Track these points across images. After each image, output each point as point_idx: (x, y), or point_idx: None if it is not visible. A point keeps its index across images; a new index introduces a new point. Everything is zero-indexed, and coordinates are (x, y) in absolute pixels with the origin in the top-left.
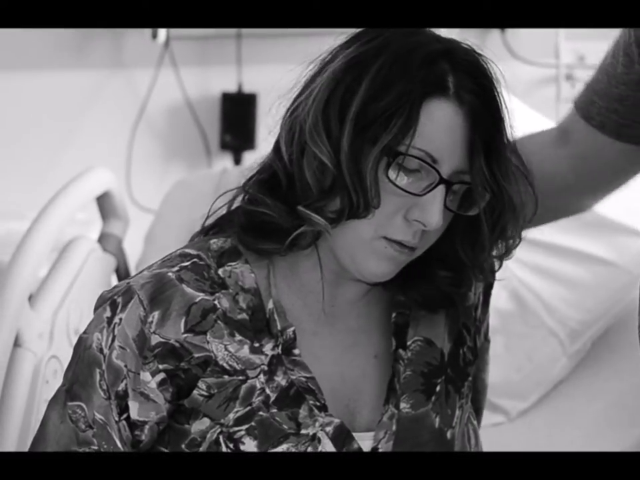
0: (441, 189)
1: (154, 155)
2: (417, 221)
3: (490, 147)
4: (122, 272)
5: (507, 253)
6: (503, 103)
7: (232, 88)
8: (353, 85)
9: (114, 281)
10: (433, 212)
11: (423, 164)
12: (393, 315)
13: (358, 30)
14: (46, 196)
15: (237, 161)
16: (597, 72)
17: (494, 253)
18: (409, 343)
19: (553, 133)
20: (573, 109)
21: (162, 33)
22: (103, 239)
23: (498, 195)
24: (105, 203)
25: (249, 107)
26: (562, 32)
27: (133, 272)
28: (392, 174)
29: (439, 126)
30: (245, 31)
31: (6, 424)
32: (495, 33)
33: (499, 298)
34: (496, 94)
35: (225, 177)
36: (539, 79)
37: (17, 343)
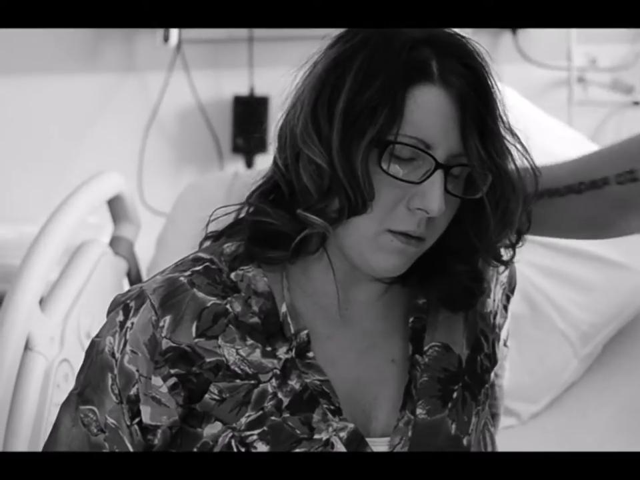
0: (439, 173)
1: (166, 158)
2: (420, 209)
3: (483, 127)
4: (133, 275)
5: (518, 238)
6: (492, 83)
7: (244, 91)
8: (337, 84)
9: (125, 285)
10: (433, 197)
11: (417, 151)
12: (411, 319)
13: (343, 30)
14: (58, 200)
15: (249, 164)
16: None
17: (505, 241)
18: (425, 348)
19: None
20: None
21: (173, 36)
22: (114, 242)
23: (496, 174)
24: (116, 207)
25: (260, 110)
26: (574, 35)
27: (144, 275)
28: (385, 164)
29: (428, 111)
30: (256, 34)
31: (17, 427)
32: (506, 36)
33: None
34: (484, 74)
35: (237, 180)
36: (550, 82)
37: (27, 347)
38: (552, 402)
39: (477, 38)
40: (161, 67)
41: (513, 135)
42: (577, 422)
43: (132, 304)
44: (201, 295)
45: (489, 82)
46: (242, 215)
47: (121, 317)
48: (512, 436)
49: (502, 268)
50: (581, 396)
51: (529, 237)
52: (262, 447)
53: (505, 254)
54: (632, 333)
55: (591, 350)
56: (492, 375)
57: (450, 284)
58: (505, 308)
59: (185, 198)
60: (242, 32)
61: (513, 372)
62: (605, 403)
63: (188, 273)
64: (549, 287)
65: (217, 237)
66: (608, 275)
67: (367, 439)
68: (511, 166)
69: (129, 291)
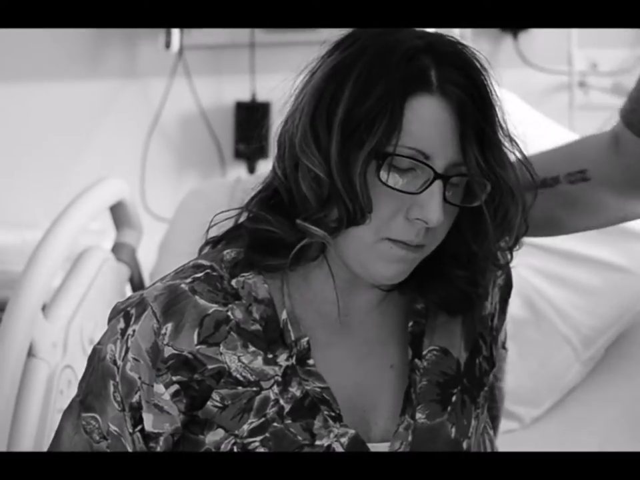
0: (438, 184)
1: (168, 164)
2: (418, 219)
3: (482, 137)
4: (136, 281)
5: (515, 242)
6: (491, 91)
7: (245, 97)
8: (336, 93)
9: (128, 291)
10: (432, 208)
11: (416, 162)
12: (410, 324)
13: (341, 36)
14: (61, 206)
15: (251, 170)
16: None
17: (502, 244)
18: (424, 353)
19: (606, 138)
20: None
21: (175, 42)
22: (116, 248)
23: (495, 183)
24: (118, 213)
25: (262, 116)
26: (574, 39)
27: (147, 281)
28: (384, 175)
29: (426, 122)
30: (258, 39)
31: (20, 433)
32: (507, 40)
33: (513, 305)
34: (483, 82)
35: (239, 186)
36: (551, 86)
37: (31, 353)
38: (554, 405)
39: (477, 41)
40: (163, 73)
41: (512, 142)
42: (579, 425)
43: (133, 311)
44: (202, 302)
45: (488, 90)
46: (241, 221)
47: (121, 325)
48: (514, 440)
49: (500, 271)
50: (583, 399)
51: (530, 242)
52: None
53: (502, 257)
54: (634, 337)
55: (592, 353)
56: (491, 377)
57: (448, 288)
58: (503, 310)
59: (187, 203)
60: (243, 38)
61: (514, 375)
62: (607, 406)
63: (189, 280)
64: (551, 290)
65: (215, 242)
66: (609, 278)
67: (368, 444)
68: (510, 173)
69: (129, 298)
